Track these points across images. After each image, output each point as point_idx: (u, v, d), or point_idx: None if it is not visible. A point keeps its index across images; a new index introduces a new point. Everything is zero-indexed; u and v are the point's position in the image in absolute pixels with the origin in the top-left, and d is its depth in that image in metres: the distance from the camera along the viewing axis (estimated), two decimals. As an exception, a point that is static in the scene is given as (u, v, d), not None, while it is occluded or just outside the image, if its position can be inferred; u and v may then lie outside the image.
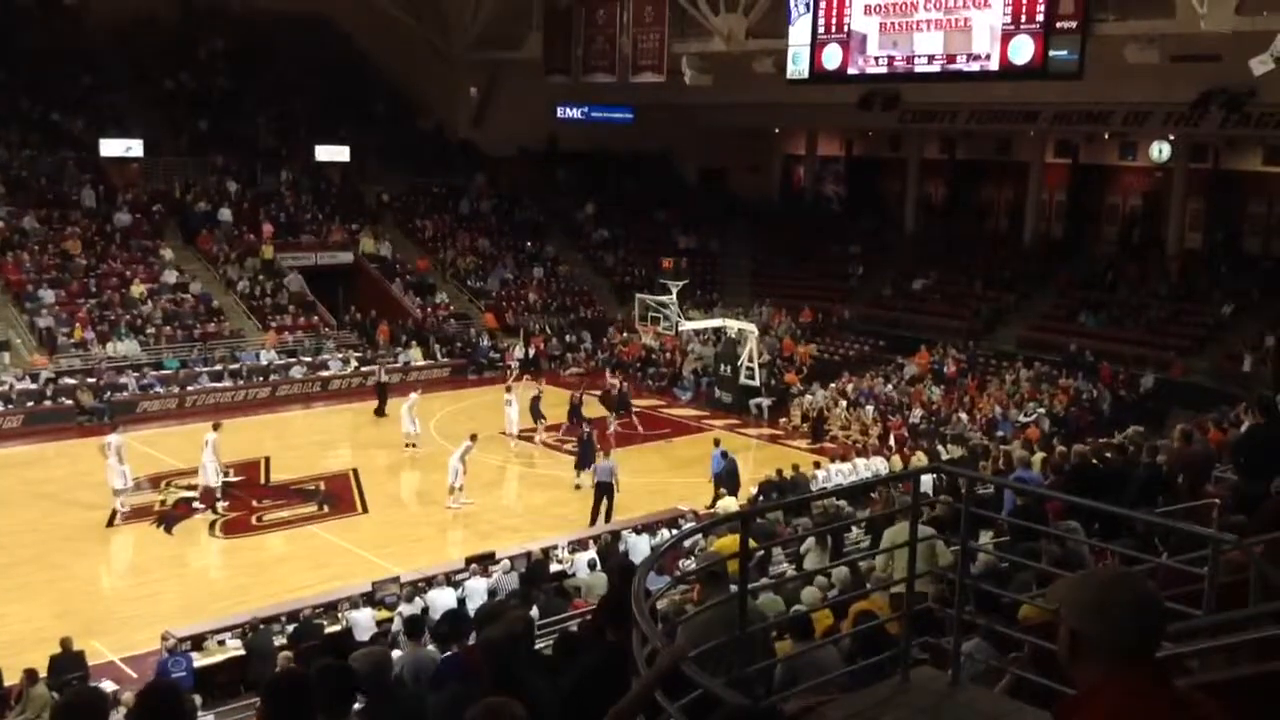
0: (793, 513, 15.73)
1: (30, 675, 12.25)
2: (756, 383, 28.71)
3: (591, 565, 15.54)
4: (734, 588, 4.82)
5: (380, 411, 26.94)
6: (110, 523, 19.25)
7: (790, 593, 9.33)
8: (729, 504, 18.22)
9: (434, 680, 6.34)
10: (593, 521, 19.26)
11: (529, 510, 20.92)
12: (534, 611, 11.83)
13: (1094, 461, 10.22)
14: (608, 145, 40.28)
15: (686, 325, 30.00)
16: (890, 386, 28.29)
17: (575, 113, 38.91)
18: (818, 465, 20.92)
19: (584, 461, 21.55)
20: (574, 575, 15.80)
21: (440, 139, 41.24)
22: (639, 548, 16.11)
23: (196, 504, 19.86)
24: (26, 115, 34.04)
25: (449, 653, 7.49)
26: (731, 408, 28.79)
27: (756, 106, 35.27)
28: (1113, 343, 28.92)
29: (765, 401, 28.47)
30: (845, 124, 39.51)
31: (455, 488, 20.42)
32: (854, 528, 13.70)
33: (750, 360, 28.88)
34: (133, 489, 19.75)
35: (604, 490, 19.57)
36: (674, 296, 29.39)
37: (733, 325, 30.12)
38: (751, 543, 4.84)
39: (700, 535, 12.86)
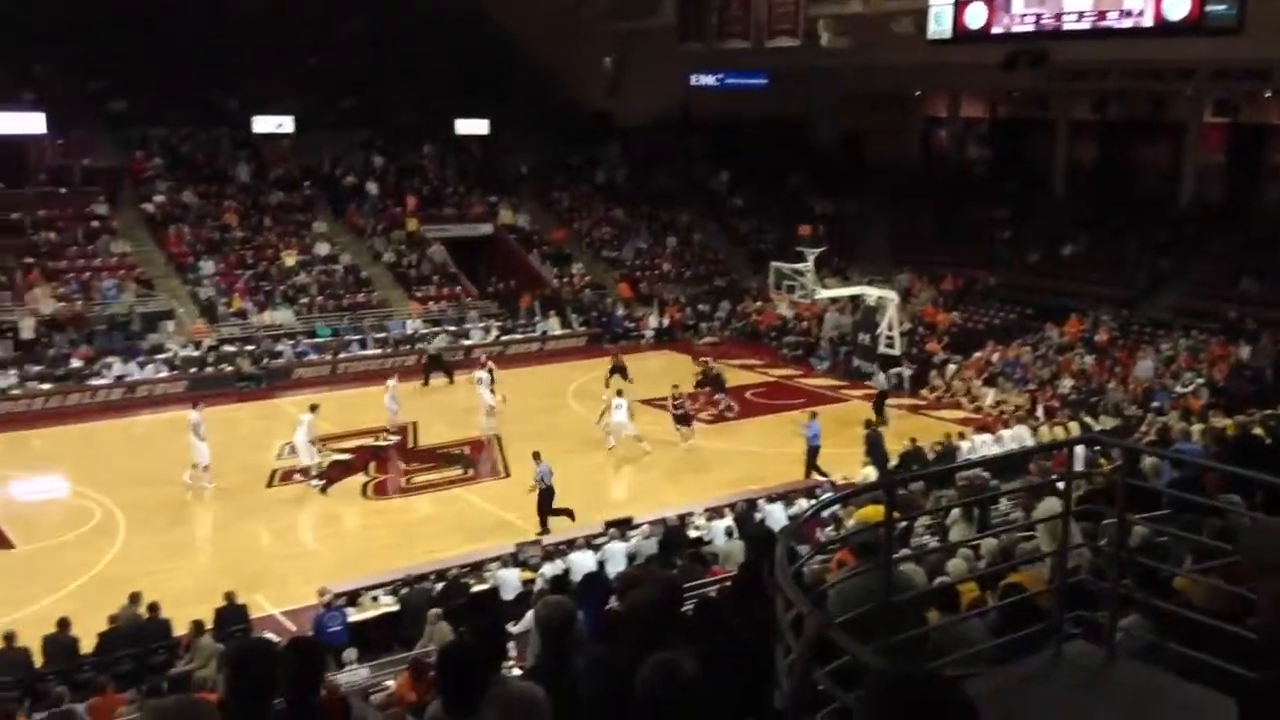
0: (936, 485, 15.48)
1: (197, 627, 13.01)
2: (896, 351, 28.23)
3: (729, 533, 15.61)
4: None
5: (450, 379, 27.48)
6: (270, 483, 20.25)
7: (933, 565, 9.20)
8: (868, 474, 18.04)
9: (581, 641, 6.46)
10: (544, 527, 17.66)
11: (666, 477, 21.10)
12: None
13: (1257, 432, 9.78)
14: (742, 112, 39.92)
15: (823, 293, 29.65)
16: (1038, 356, 27.50)
17: (710, 80, 38.65)
18: (963, 436, 20.48)
19: (684, 421, 22.57)
20: (711, 542, 15.91)
21: (576, 110, 41.59)
22: (775, 516, 16.11)
23: (303, 476, 20.30)
24: (186, 95, 35.67)
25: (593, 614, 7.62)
26: (870, 377, 28.39)
27: (895, 69, 34.41)
28: (1277, 310, 27.40)
29: (906, 371, 27.99)
30: (990, 85, 38.20)
31: (635, 437, 21.62)
32: (1003, 500, 13.41)
33: (890, 329, 28.40)
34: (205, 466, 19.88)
35: (548, 494, 17.89)
36: (810, 264, 29.04)
37: (872, 293, 29.62)
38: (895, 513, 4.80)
39: (840, 506, 12.79)
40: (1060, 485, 6.25)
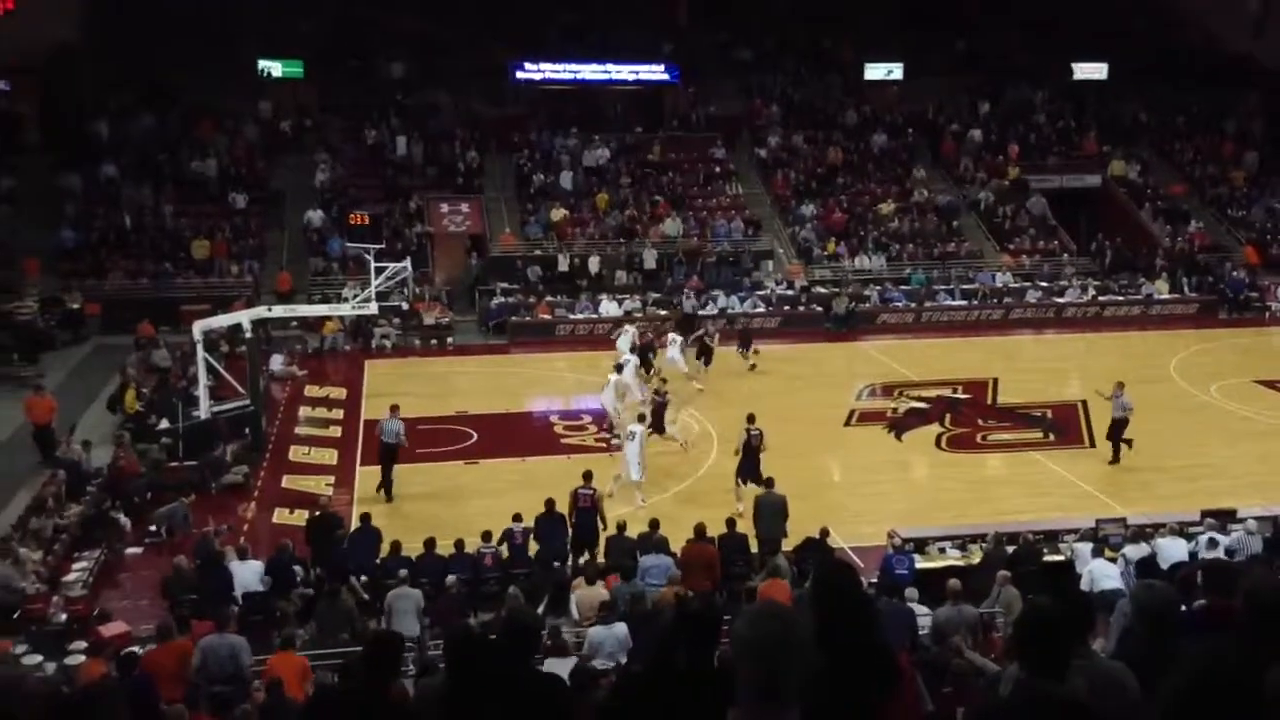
0: None
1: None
2: None
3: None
4: None
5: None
6: (847, 422, 20.94)
7: None
8: None
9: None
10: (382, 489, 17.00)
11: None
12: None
13: None
14: None
15: None
16: None
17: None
18: None
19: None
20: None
21: (1209, 52, 37.38)
22: None
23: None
24: (802, 43, 37.34)
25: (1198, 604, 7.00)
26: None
27: None
28: None
29: None
30: None
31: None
32: None
33: None
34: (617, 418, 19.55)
35: (388, 454, 17.10)
36: None
37: None
38: None
39: None
40: None
